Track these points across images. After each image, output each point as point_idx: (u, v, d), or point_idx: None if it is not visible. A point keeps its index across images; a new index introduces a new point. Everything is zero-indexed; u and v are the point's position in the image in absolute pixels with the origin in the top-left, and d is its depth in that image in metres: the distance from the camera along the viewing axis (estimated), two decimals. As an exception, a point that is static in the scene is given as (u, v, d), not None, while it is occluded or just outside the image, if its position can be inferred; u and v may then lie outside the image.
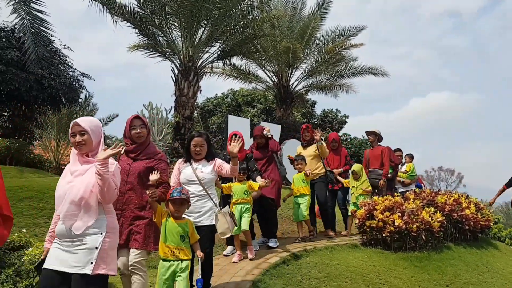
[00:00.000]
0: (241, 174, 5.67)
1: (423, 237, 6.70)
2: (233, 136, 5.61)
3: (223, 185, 5.72)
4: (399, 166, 9.58)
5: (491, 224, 8.85)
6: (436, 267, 6.36)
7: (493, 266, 7.33)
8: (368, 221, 6.76)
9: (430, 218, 6.82)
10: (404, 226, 6.52)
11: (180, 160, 4.58)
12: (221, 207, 4.48)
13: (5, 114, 13.59)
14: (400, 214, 6.68)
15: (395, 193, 8.86)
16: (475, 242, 8.09)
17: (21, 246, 4.47)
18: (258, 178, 6.02)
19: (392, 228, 6.53)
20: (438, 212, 7.21)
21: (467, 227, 7.76)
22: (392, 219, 6.61)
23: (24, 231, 5.05)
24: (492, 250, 8.15)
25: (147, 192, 3.66)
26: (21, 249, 4.41)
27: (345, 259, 6.03)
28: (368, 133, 8.67)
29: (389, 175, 8.46)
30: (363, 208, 6.95)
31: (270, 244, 6.36)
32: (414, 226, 6.53)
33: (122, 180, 3.65)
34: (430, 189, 9.70)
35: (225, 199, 6.00)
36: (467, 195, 9.38)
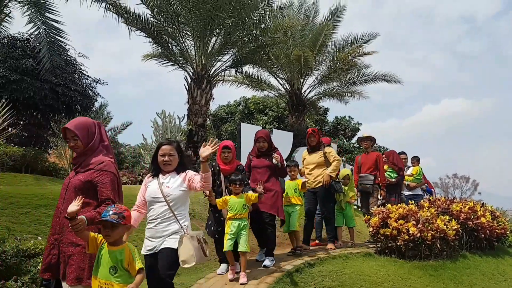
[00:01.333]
0: (238, 185, 5.20)
1: (438, 245, 6.62)
2: (223, 148, 5.37)
3: (217, 200, 5.18)
4: (405, 170, 9.33)
5: (508, 232, 8.72)
6: (452, 276, 6.27)
7: (510, 275, 7.21)
8: (382, 229, 6.71)
9: (445, 226, 6.74)
10: (418, 235, 6.45)
11: (149, 174, 3.93)
12: (187, 230, 3.64)
13: (21, 122, 13.79)
14: (414, 222, 6.62)
15: (404, 199, 8.77)
16: (491, 250, 7.98)
17: (37, 253, 4.51)
18: (251, 192, 5.41)
19: (407, 237, 6.46)
20: (453, 220, 7.13)
21: (482, 235, 7.65)
22: (406, 227, 6.55)
23: (40, 238, 5.10)
24: (508, 259, 8.02)
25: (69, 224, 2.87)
26: (36, 257, 4.45)
27: (359, 268, 5.98)
28: (363, 139, 8.45)
29: (393, 180, 8.33)
30: (377, 216, 6.90)
31: (266, 263, 5.67)
32: (429, 234, 6.46)
33: (60, 198, 3.24)
34: (444, 197, 9.59)
35: (216, 217, 5.46)
36: (483, 203, 9.27)
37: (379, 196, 8.20)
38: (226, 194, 5.29)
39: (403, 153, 9.62)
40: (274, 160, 5.86)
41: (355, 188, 7.76)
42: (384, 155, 8.77)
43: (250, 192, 5.31)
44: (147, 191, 3.76)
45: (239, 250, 5.08)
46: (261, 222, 5.79)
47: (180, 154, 3.85)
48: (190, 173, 3.77)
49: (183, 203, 3.73)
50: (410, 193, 9.34)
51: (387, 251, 6.77)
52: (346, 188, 7.36)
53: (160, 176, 3.76)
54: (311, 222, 7.04)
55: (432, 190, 10.50)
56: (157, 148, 3.85)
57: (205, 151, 3.62)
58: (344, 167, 12.98)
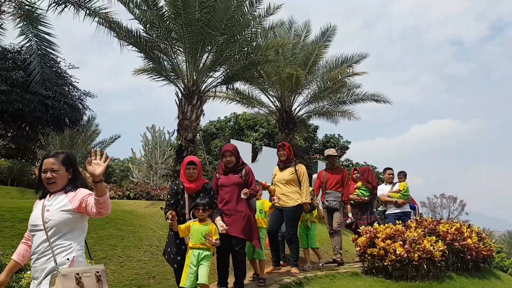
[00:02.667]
0: (201, 211, 4.58)
1: (425, 266, 6.64)
2: (188, 164, 4.79)
3: (179, 226, 4.62)
4: (391, 186, 8.86)
5: (494, 253, 8.77)
6: (438, 298, 6.27)
7: (496, 297, 7.22)
8: (370, 249, 6.71)
9: (432, 247, 6.77)
10: (405, 255, 6.46)
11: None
12: (61, 267, 2.67)
13: (9, 134, 13.66)
14: (401, 243, 6.64)
15: (376, 217, 8.41)
16: (477, 272, 8.00)
17: (20, 269, 4.43)
18: (218, 219, 4.90)
19: (394, 257, 6.47)
20: (440, 241, 7.16)
21: (469, 256, 7.69)
22: (393, 247, 6.56)
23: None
24: (494, 281, 8.05)
25: None
26: (19, 272, 4.38)
27: (346, 287, 5.96)
28: (328, 156, 8.07)
29: (365, 198, 8.17)
30: (365, 235, 6.90)
31: None
32: (416, 255, 6.48)
33: None
34: (431, 217, 9.59)
35: (177, 243, 4.80)
36: (469, 224, 9.33)
37: (350, 215, 8.12)
38: (190, 218, 4.71)
39: (389, 168, 9.18)
40: (242, 195, 5.12)
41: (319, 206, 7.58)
42: (358, 172, 8.58)
43: (218, 220, 4.88)
44: (30, 217, 2.96)
45: (198, 282, 4.49)
46: (229, 249, 5.08)
47: (72, 169, 2.99)
48: (82, 192, 2.88)
49: (70, 230, 2.81)
50: (398, 210, 8.68)
51: (374, 271, 6.77)
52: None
53: (47, 197, 2.94)
54: (276, 241, 6.57)
55: (416, 206, 10.03)
56: (40, 163, 3.00)
57: (95, 168, 2.66)
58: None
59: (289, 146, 6.51)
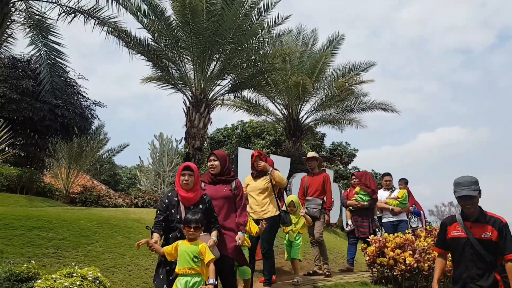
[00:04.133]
0: (192, 229, 3.87)
1: (435, 276, 6.57)
2: (183, 170, 4.17)
3: (165, 249, 3.94)
4: (389, 193, 8.45)
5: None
6: (449, 308, 6.20)
7: (507, 307, 7.13)
8: (379, 259, 6.66)
9: (442, 256, 6.70)
10: (415, 265, 6.41)
11: None
12: None
13: (18, 143, 13.77)
14: (411, 252, 6.58)
15: (377, 224, 8.15)
16: (488, 282, 7.90)
17: (30, 277, 4.44)
18: (214, 234, 4.16)
19: (403, 266, 6.42)
20: (450, 250, 7.09)
21: (479, 266, 7.60)
22: (403, 257, 6.51)
23: (33, 262, 5.04)
24: (505, 291, 7.95)
25: None
26: (29, 281, 4.39)
27: (355, 298, 5.92)
28: (307, 159, 7.55)
29: (365, 203, 7.82)
30: (374, 245, 6.86)
31: None
32: (426, 264, 6.42)
33: None
34: (438, 224, 9.47)
35: (167, 270, 4.06)
36: (479, 233, 9.23)
37: (349, 222, 7.90)
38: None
39: (387, 174, 8.76)
40: (238, 241, 4.50)
41: (301, 215, 6.71)
42: (355, 176, 8.26)
43: (214, 235, 4.14)
44: None
45: None
46: (221, 270, 4.42)
47: None
48: None
49: None
50: (394, 218, 8.24)
51: (383, 280, 6.71)
52: (294, 216, 6.45)
53: None
54: (253, 258, 5.77)
55: (421, 212, 9.47)
56: None
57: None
58: (340, 194, 12.97)
59: (265, 156, 5.98)
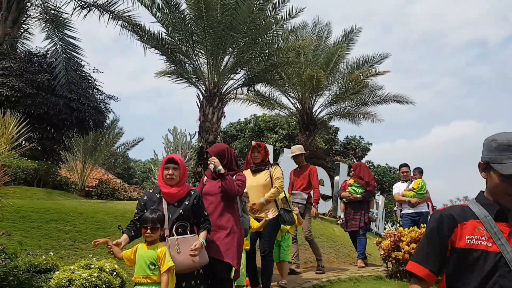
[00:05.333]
0: (149, 229, 3.35)
1: (451, 270, 6.52)
2: (166, 163, 3.70)
3: (124, 253, 3.44)
4: (407, 184, 8.10)
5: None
6: (464, 303, 6.16)
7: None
8: (394, 253, 6.63)
9: (458, 251, 6.65)
10: (430, 259, 6.36)
11: None
12: None
13: (34, 136, 13.94)
14: (426, 247, 6.53)
15: (372, 218, 7.72)
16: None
17: (48, 269, 4.52)
18: (202, 235, 3.63)
19: (418, 261, 6.37)
20: (466, 245, 7.02)
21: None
22: (418, 251, 6.46)
23: (51, 253, 5.12)
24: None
25: None
26: (48, 272, 4.46)
27: (369, 292, 5.91)
28: (293, 156, 7.15)
29: (358, 196, 7.48)
30: (389, 239, 6.83)
31: None
32: (441, 259, 6.37)
33: None
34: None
35: None
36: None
37: (342, 215, 7.65)
38: (173, 235, 3.53)
39: (405, 165, 8.36)
40: (210, 165, 4.13)
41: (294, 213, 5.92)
42: (352, 168, 8.01)
43: (202, 235, 3.59)
44: None
45: None
46: (213, 276, 3.95)
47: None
48: None
49: None
50: (412, 211, 7.89)
51: (398, 274, 6.68)
52: None
53: None
54: (252, 262, 5.27)
55: (429, 204, 8.76)
56: None
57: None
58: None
59: (265, 147, 5.42)
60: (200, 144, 13.89)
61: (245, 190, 4.52)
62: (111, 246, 3.44)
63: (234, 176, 4.17)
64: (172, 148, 14.81)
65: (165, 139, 15.13)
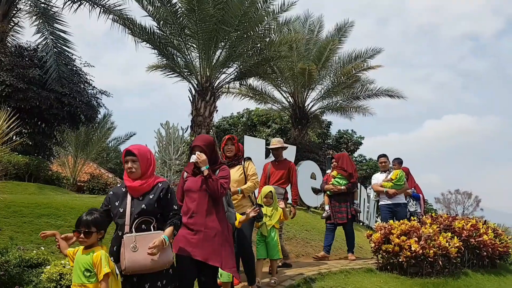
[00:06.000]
0: (82, 233, 3.05)
1: (440, 262, 6.60)
2: (125, 156, 3.44)
3: (68, 251, 3.19)
4: (386, 175, 8.08)
5: (510, 250, 8.68)
6: (454, 294, 6.24)
7: (512, 294, 7.17)
8: (384, 245, 6.69)
9: (447, 243, 6.73)
10: (420, 251, 6.43)
11: None
12: None
13: (25, 131, 13.85)
14: (416, 239, 6.60)
15: (357, 209, 7.59)
16: (493, 268, 7.93)
17: (39, 263, 4.52)
18: (167, 231, 3.29)
19: (409, 253, 6.45)
20: (456, 237, 7.11)
21: (485, 253, 7.62)
22: (408, 243, 6.53)
23: (42, 248, 5.12)
24: (510, 277, 7.98)
25: None
26: (39, 267, 4.46)
27: (360, 284, 5.96)
28: (272, 150, 6.86)
29: (342, 187, 7.28)
30: (379, 231, 6.89)
31: None
32: (431, 251, 6.45)
33: None
34: (446, 213, 9.43)
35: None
36: (485, 220, 9.23)
37: (326, 207, 7.43)
38: (132, 231, 3.23)
39: (383, 156, 8.31)
40: (193, 158, 3.79)
41: (280, 207, 5.71)
42: (334, 159, 7.70)
43: (169, 231, 3.26)
44: None
45: None
46: (194, 278, 3.76)
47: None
48: None
49: None
50: (389, 202, 7.87)
51: (388, 267, 6.74)
52: (270, 209, 5.57)
53: None
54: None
55: (420, 195, 8.89)
56: None
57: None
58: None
59: (238, 140, 5.15)
60: (193, 139, 13.89)
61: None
62: (58, 239, 3.23)
63: (217, 171, 3.91)
64: (164, 143, 14.78)
65: (157, 134, 15.09)
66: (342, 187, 7.30)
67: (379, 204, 8.27)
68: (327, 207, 7.47)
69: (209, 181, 3.72)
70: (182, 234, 3.69)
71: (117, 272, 3.15)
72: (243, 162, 5.13)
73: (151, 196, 3.35)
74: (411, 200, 8.63)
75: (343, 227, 7.44)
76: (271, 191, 5.59)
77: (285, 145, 6.91)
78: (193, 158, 3.75)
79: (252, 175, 5.09)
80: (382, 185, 8.03)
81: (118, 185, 3.69)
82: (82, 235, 3.05)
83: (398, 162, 8.42)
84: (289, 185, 6.66)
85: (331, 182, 7.47)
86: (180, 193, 4.01)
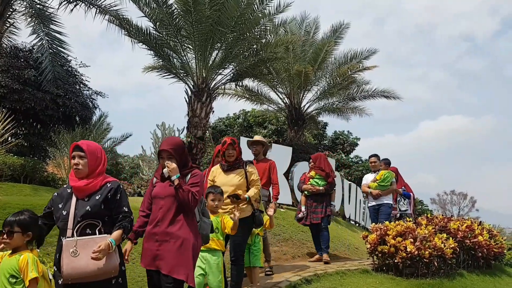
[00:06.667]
0: (5, 235, 2.89)
1: (436, 263, 6.62)
2: (73, 151, 3.21)
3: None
4: (375, 175, 8.04)
5: (505, 250, 8.73)
6: (449, 295, 6.26)
7: (507, 294, 7.20)
8: (380, 246, 6.71)
9: (443, 244, 6.76)
10: (416, 252, 6.46)
11: None
12: None
13: (20, 132, 13.83)
14: (412, 240, 6.63)
15: (333, 210, 7.44)
16: (489, 269, 7.97)
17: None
18: (114, 235, 3.06)
19: (404, 254, 6.47)
20: (451, 238, 7.15)
21: (480, 254, 7.66)
22: (404, 244, 6.55)
23: (38, 250, 5.10)
24: (505, 278, 8.02)
25: None
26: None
27: (356, 285, 5.98)
28: (252, 142, 6.58)
29: (320, 188, 7.13)
30: (375, 233, 6.91)
31: None
32: (427, 252, 6.47)
33: None
34: (442, 214, 9.47)
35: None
36: (480, 221, 9.28)
37: (303, 208, 7.22)
38: (73, 235, 2.96)
39: (374, 155, 8.32)
40: (164, 170, 3.51)
41: (268, 214, 5.52)
42: (312, 159, 7.54)
43: (106, 242, 2.94)
44: None
45: None
46: None
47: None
48: None
49: None
50: (374, 202, 7.89)
51: (384, 268, 6.76)
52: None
53: None
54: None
55: (411, 194, 8.72)
56: None
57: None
58: (342, 183, 13.02)
59: (238, 143, 4.86)
60: (189, 140, 13.86)
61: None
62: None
63: (188, 176, 3.55)
64: (160, 144, 14.79)
65: (154, 135, 15.11)
66: (321, 188, 7.15)
67: (368, 205, 8.26)
68: (303, 208, 7.26)
69: (180, 192, 3.38)
70: (148, 246, 3.45)
71: (50, 277, 2.98)
72: (244, 166, 4.83)
73: (97, 197, 3.08)
74: (402, 199, 8.52)
75: (317, 227, 7.24)
76: (260, 195, 5.32)
77: (265, 140, 6.60)
78: (165, 172, 3.46)
79: (256, 181, 4.86)
80: (369, 186, 8.03)
81: (65, 185, 3.43)
82: (4, 236, 2.84)
83: (385, 162, 8.35)
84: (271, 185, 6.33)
85: (309, 183, 7.30)
86: (147, 200, 3.65)
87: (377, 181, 7.86)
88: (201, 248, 3.77)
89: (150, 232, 3.47)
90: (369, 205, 8.11)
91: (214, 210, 4.25)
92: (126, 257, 3.34)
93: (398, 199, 8.41)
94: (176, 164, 3.45)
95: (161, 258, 3.35)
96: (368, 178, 8.26)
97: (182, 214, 3.46)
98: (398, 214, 8.30)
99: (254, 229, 5.10)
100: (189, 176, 3.56)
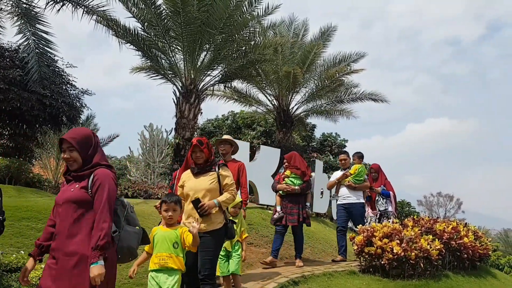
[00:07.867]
0: None
1: (422, 265, 6.67)
2: None
3: None
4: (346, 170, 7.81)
5: (490, 252, 8.82)
6: (435, 296, 6.31)
7: (492, 295, 7.28)
8: (367, 248, 6.75)
9: (429, 246, 6.81)
10: (402, 254, 6.50)
11: None
12: None
13: (6, 133, 13.66)
14: (398, 241, 6.67)
15: (308, 212, 7.15)
16: (474, 270, 8.05)
17: (19, 268, 4.45)
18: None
19: (391, 256, 6.51)
20: (437, 240, 7.20)
21: (465, 255, 7.73)
22: (390, 246, 6.59)
23: (22, 252, 5.04)
24: (490, 279, 8.10)
25: None
26: (18, 271, 4.40)
27: (343, 286, 6.00)
28: (220, 142, 6.08)
29: (296, 188, 6.89)
30: (362, 234, 6.94)
31: None
32: (413, 253, 6.52)
33: None
34: (428, 215, 9.53)
35: None
36: (466, 222, 9.38)
37: (278, 208, 6.97)
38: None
39: (343, 152, 8.24)
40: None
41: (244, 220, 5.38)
42: (285, 159, 7.27)
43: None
44: None
45: None
46: None
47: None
48: None
49: None
50: (344, 201, 7.75)
51: (371, 269, 6.80)
52: (237, 220, 5.07)
53: None
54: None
55: (390, 193, 8.30)
56: None
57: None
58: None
59: (208, 144, 4.26)
60: (177, 141, 13.83)
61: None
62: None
63: (92, 176, 2.88)
64: (148, 145, 14.69)
65: (141, 136, 15.00)
66: (296, 187, 6.93)
67: (337, 203, 8.15)
68: (278, 208, 7.01)
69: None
70: (47, 264, 2.81)
71: None
72: (216, 169, 4.26)
73: None
74: (381, 199, 8.27)
75: (293, 230, 7.10)
76: (241, 201, 5.22)
77: (234, 140, 6.10)
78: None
79: (230, 185, 4.26)
80: (338, 179, 7.87)
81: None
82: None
83: (358, 156, 8.21)
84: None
85: (284, 182, 7.06)
86: (53, 208, 3.00)
87: (352, 175, 7.70)
88: (155, 267, 3.53)
89: (51, 247, 2.87)
90: (339, 203, 7.88)
91: (169, 222, 3.74)
92: (24, 278, 2.87)
93: (376, 198, 8.25)
94: (78, 157, 2.90)
95: (55, 280, 2.71)
96: (336, 175, 8.12)
97: (79, 223, 2.79)
98: (378, 214, 8.27)
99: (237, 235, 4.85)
100: (92, 177, 2.88)
